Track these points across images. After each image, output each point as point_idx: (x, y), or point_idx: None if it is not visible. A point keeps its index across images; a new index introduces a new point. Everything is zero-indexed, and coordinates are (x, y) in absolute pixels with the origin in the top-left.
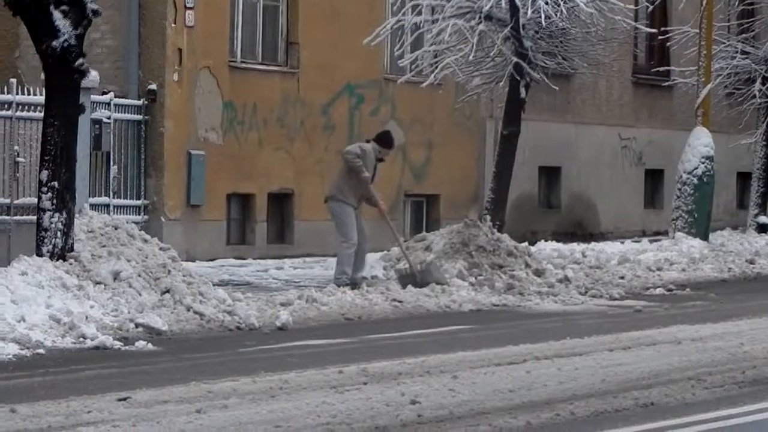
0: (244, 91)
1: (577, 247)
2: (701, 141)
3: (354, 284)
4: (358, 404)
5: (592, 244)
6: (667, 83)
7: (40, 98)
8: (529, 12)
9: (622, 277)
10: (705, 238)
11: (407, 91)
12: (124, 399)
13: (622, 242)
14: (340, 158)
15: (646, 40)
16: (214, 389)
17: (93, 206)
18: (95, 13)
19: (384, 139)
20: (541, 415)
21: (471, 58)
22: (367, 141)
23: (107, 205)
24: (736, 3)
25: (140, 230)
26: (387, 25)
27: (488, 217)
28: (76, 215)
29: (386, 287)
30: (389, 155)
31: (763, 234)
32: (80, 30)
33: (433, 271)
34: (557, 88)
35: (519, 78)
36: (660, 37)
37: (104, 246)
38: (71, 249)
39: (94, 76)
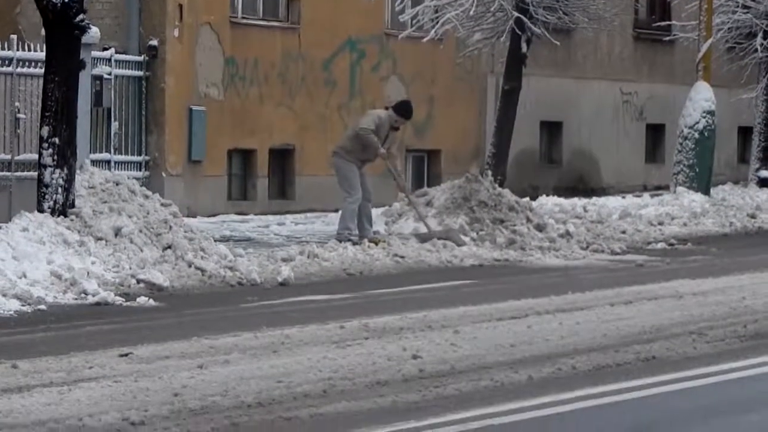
0: (246, 46)
1: (578, 202)
2: (702, 95)
3: (372, 240)
4: (359, 359)
5: (594, 198)
6: (668, 38)
7: (41, 54)
8: None
9: (623, 232)
10: (706, 192)
11: (408, 47)
12: (126, 355)
13: (624, 197)
14: (351, 128)
15: None
16: (215, 344)
17: (94, 162)
18: None
19: (403, 109)
20: (543, 369)
21: (472, 13)
22: (386, 108)
23: (108, 161)
24: None
25: (141, 186)
26: None
27: (489, 172)
28: (77, 171)
29: (387, 242)
30: (404, 124)
31: (765, 188)
32: None
33: (451, 234)
34: (558, 43)
35: (520, 33)
36: None
37: (105, 202)
38: (72, 205)
39: (94, 32)
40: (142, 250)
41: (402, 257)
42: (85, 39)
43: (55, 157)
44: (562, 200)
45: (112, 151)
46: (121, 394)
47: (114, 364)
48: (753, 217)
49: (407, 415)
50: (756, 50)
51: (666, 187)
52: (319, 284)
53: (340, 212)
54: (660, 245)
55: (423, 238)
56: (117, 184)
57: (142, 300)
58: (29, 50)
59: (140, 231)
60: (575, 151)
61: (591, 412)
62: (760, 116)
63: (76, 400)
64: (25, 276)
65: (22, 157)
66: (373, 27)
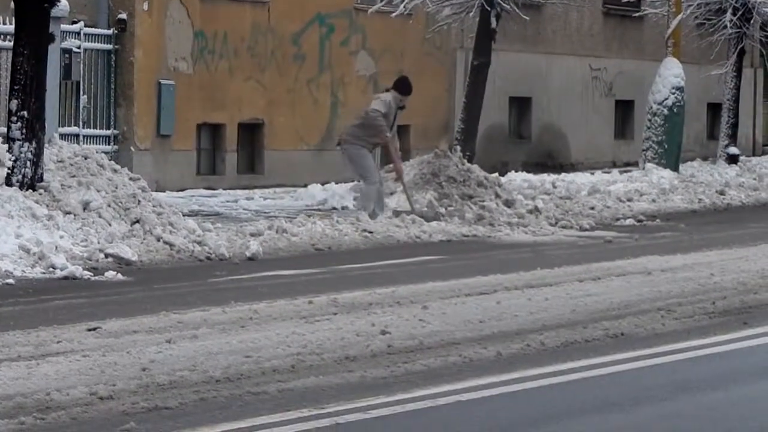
0: (215, 20)
1: (547, 178)
2: (672, 72)
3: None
4: (328, 334)
5: (563, 174)
6: (637, 13)
7: (10, 27)
8: None
9: (592, 208)
10: (675, 169)
11: (378, 21)
12: (94, 329)
13: (593, 173)
14: (357, 115)
15: None
16: (184, 319)
17: (63, 136)
18: None
19: (404, 86)
20: (512, 345)
21: None
22: (386, 90)
23: (77, 135)
24: None
25: (110, 160)
26: None
27: (458, 148)
28: (46, 145)
29: (356, 217)
30: (408, 101)
31: (733, 165)
32: None
33: (429, 212)
34: (528, 18)
35: (489, 8)
36: None
37: (74, 176)
38: (41, 179)
39: (64, 5)
40: (110, 225)
41: (371, 232)
42: (54, 12)
43: (24, 131)
44: (530, 176)
45: (81, 124)
46: (89, 369)
47: (82, 338)
48: (722, 193)
49: (376, 391)
50: (725, 26)
51: (635, 164)
52: (288, 259)
53: (360, 192)
54: (629, 221)
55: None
56: (86, 158)
57: (110, 274)
58: None
59: (109, 205)
60: (544, 127)
61: (559, 388)
62: (729, 93)
63: (44, 374)
64: None
65: None
66: (342, 1)
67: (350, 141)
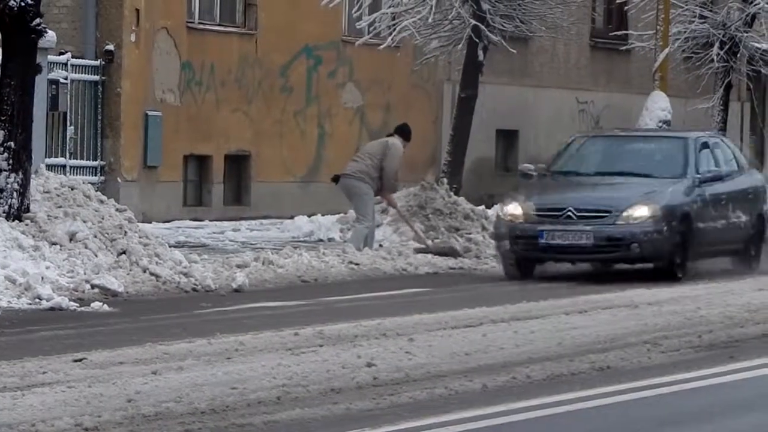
0: (202, 52)
1: None
2: (659, 105)
3: None
4: (314, 366)
5: None
6: (625, 47)
7: None
8: None
9: None
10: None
11: (365, 54)
12: (80, 360)
13: None
14: (376, 155)
15: (604, 3)
16: (169, 350)
17: (49, 167)
18: None
19: (406, 132)
20: (498, 378)
21: (429, 20)
22: (389, 135)
23: (64, 166)
24: None
25: (97, 191)
26: None
27: (445, 180)
28: (33, 175)
29: (343, 249)
30: (407, 148)
31: None
32: None
33: (448, 249)
34: (515, 51)
35: (477, 41)
36: (618, 1)
37: (60, 207)
38: (27, 209)
39: (51, 36)
40: (96, 256)
41: (357, 264)
42: (41, 43)
43: (11, 161)
44: None
45: (68, 155)
46: (75, 400)
47: (68, 369)
48: None
49: (361, 423)
50: (712, 60)
51: None
52: (274, 291)
53: (350, 233)
54: None
55: (421, 252)
56: (72, 189)
57: (96, 305)
58: None
59: (95, 236)
60: (531, 160)
61: (545, 421)
62: (716, 126)
63: (30, 405)
64: None
65: None
66: (330, 33)
67: (365, 179)
